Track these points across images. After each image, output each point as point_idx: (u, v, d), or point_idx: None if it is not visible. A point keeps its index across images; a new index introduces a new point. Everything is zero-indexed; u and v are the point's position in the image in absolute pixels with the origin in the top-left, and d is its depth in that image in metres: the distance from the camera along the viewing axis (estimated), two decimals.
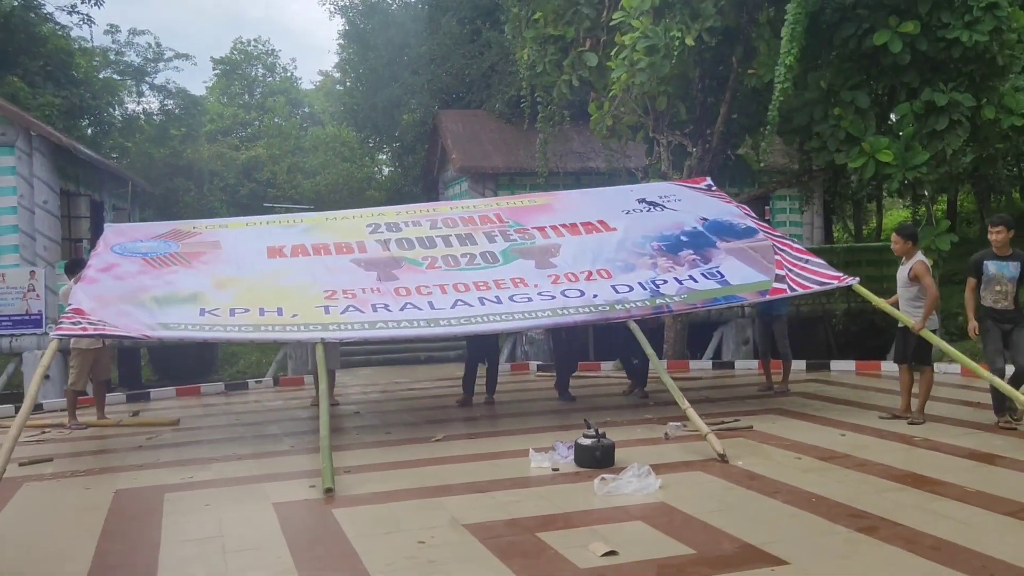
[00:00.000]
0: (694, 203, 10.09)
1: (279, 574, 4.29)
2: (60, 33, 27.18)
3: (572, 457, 6.40)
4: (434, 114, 22.59)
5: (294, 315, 7.85)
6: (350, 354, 15.38)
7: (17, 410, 10.85)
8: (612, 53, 12.00)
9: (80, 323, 7.60)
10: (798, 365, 11.86)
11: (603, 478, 5.63)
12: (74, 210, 17.16)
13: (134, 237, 9.32)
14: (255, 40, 43.71)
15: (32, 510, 5.87)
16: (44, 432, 9.14)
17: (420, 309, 7.99)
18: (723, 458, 6.33)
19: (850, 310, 17.21)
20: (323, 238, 9.34)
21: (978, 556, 4.19)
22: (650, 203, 10.12)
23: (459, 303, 8.05)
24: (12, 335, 14.22)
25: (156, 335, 7.78)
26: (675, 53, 10.91)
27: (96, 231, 13.28)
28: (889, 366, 12.03)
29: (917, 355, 7.82)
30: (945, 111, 10.90)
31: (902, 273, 7.92)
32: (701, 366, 13.14)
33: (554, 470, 6.24)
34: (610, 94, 12.83)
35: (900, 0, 10.82)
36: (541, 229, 9.54)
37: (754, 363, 11.91)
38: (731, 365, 12.95)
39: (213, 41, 76.23)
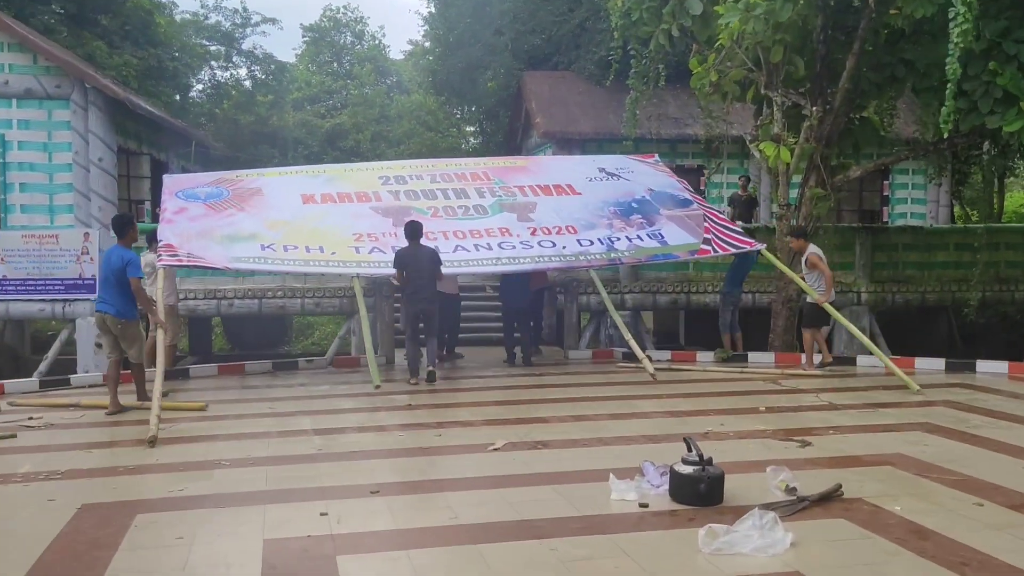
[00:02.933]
0: (644, 175, 11.74)
1: None
2: None
3: (666, 487, 4.85)
4: (518, 77, 21.00)
5: (332, 253, 9.51)
6: None
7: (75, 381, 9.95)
8: None
9: (177, 255, 8.95)
10: (937, 365, 10.03)
11: (711, 528, 4.04)
12: (134, 169, 16.09)
13: (191, 185, 10.73)
14: (344, 7, 42.90)
15: None
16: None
17: None
18: (654, 377, 8.59)
19: (984, 299, 14.95)
20: (345, 188, 10.88)
21: None
22: (609, 173, 11.70)
23: (459, 248, 9.81)
24: (65, 300, 13.36)
25: (233, 266, 9.42)
26: None
27: (158, 191, 12.27)
28: None
29: (807, 319, 10.08)
30: None
31: (803, 264, 9.95)
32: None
33: (642, 505, 4.68)
34: (716, 45, 11.13)
35: None
36: (521, 188, 11.14)
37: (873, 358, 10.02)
38: (852, 361, 11.01)
39: (300, 8, 75.58)
